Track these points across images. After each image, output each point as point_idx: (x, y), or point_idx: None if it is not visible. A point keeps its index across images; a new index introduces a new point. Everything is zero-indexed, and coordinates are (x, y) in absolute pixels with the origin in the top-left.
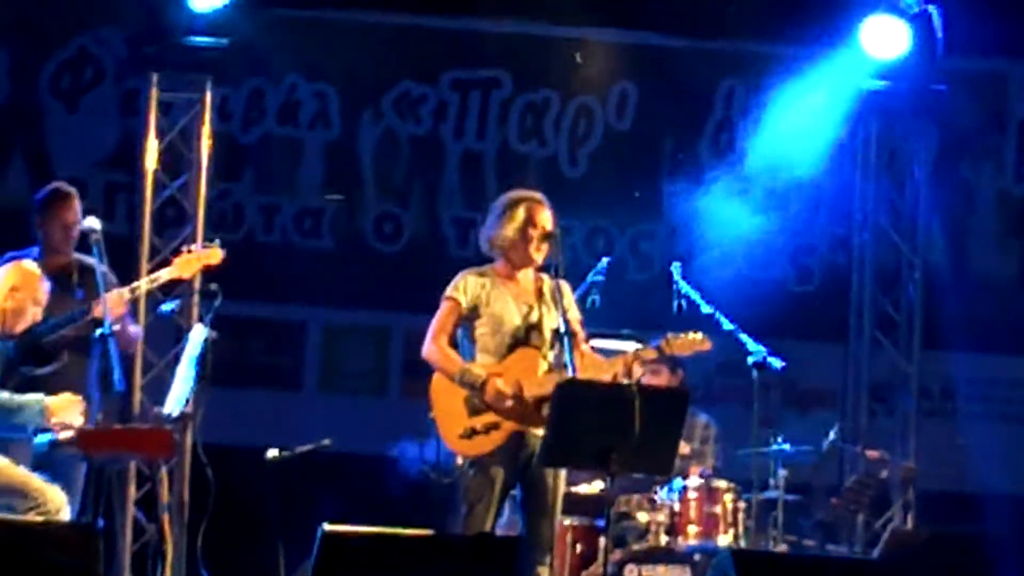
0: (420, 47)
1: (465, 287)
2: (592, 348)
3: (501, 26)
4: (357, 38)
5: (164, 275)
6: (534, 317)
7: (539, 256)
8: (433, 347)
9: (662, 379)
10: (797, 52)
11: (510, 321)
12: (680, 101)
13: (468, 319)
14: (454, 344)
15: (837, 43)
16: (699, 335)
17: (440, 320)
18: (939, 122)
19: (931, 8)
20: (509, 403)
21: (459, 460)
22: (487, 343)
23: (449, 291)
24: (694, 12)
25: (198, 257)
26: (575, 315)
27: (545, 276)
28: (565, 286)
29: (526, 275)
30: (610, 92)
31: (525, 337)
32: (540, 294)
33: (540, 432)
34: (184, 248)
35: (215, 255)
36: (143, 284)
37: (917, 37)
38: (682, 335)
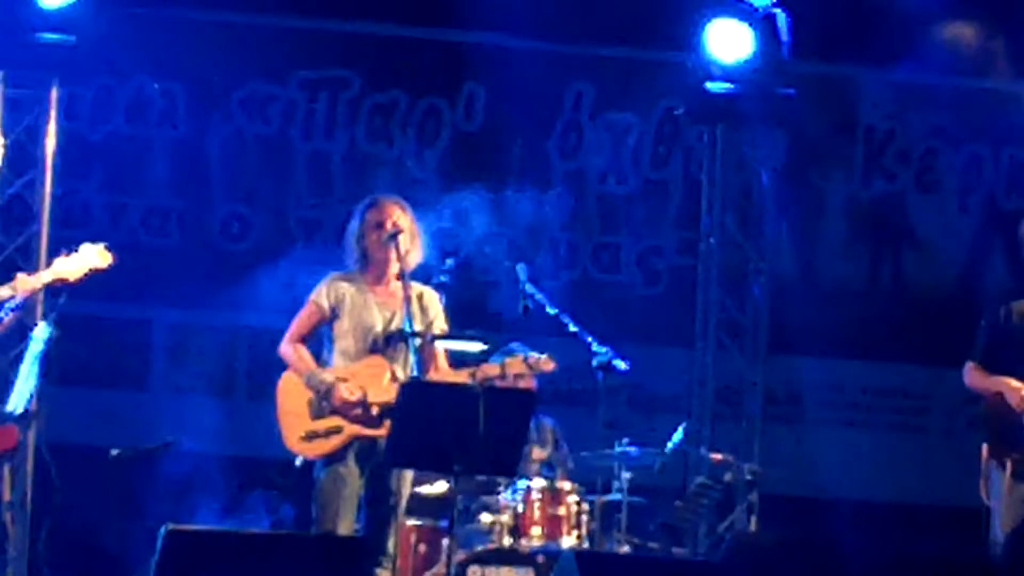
0: (269, 47)
1: (328, 291)
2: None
3: (350, 26)
4: (205, 37)
5: (46, 276)
6: (395, 326)
7: (391, 253)
8: (288, 347)
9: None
10: (645, 55)
11: (371, 327)
12: (528, 103)
13: (329, 322)
14: (316, 345)
15: (684, 46)
16: (543, 356)
17: (298, 321)
18: (788, 127)
19: (777, 12)
20: (353, 408)
21: (298, 461)
22: (347, 347)
23: (312, 294)
24: (543, 14)
25: (85, 260)
26: (441, 324)
27: (415, 284)
28: (433, 295)
29: (394, 282)
30: (458, 93)
31: (384, 344)
32: (408, 301)
33: (382, 437)
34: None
35: (104, 258)
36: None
37: (762, 40)
38: (524, 356)
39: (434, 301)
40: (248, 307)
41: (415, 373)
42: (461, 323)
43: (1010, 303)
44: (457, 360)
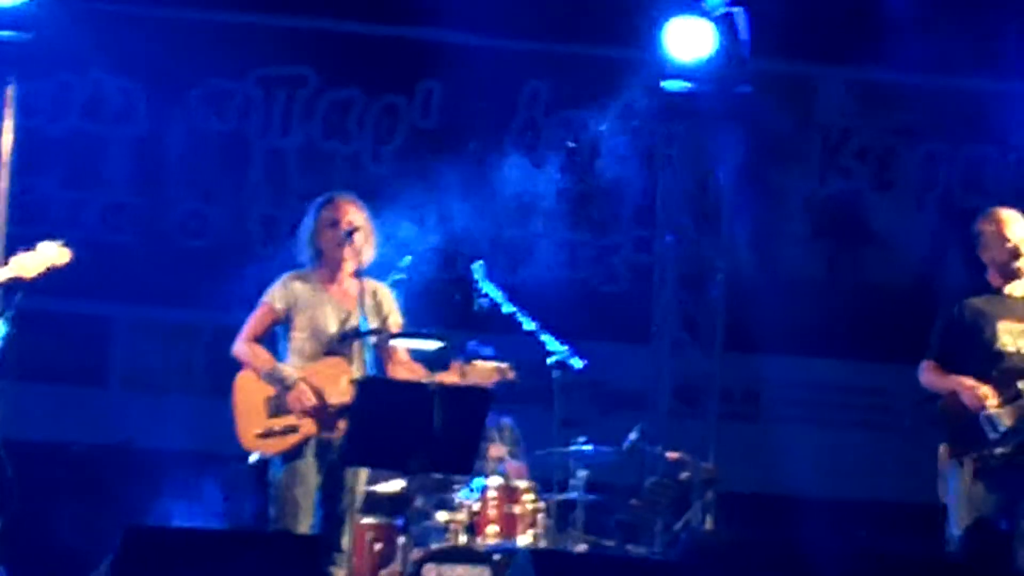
0: (227, 44)
1: (282, 292)
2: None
3: (307, 23)
4: (163, 33)
5: (4, 273)
6: (350, 325)
7: (347, 251)
8: (243, 346)
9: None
10: (602, 53)
11: (326, 328)
12: (485, 101)
13: (283, 323)
14: (270, 345)
15: (642, 44)
16: (504, 364)
17: (252, 322)
18: (746, 125)
19: (735, 10)
20: (309, 408)
21: (252, 459)
22: (302, 347)
23: (266, 294)
24: (500, 11)
25: (43, 258)
26: (396, 320)
27: (369, 281)
28: (387, 291)
29: (349, 280)
30: (415, 90)
31: (340, 344)
32: (362, 300)
33: (339, 437)
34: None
35: (63, 256)
36: None
37: (721, 39)
38: (485, 363)
39: (388, 298)
40: (207, 304)
41: (371, 371)
42: (418, 321)
43: (964, 300)
44: (415, 359)
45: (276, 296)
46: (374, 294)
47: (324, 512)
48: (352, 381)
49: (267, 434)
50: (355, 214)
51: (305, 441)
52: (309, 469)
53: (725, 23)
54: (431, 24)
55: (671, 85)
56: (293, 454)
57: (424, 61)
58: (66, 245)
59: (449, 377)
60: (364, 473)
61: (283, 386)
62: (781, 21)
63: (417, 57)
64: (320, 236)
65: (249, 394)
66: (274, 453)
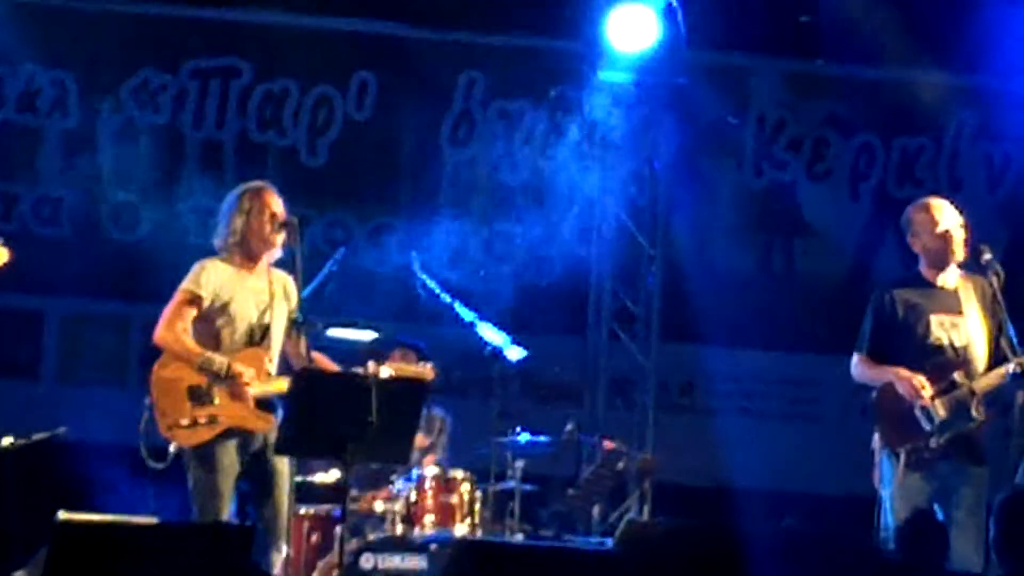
0: (160, 35)
1: (207, 279)
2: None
3: (241, 15)
4: (96, 26)
5: None
6: (267, 317)
7: (277, 241)
8: (170, 334)
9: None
10: (540, 44)
11: (247, 318)
12: (420, 92)
13: (206, 310)
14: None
15: (581, 34)
16: (422, 367)
17: (177, 309)
18: (682, 116)
19: (674, 2)
20: (251, 383)
21: (172, 448)
22: (224, 337)
23: (188, 282)
24: (435, 1)
25: None
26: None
27: (276, 272)
28: (291, 281)
29: (262, 270)
30: (350, 82)
31: (259, 336)
32: (272, 292)
33: (260, 429)
34: None
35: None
36: None
37: (661, 31)
38: (402, 365)
39: (294, 288)
40: (140, 296)
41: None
42: (352, 313)
43: (895, 291)
44: (347, 349)
45: (201, 285)
46: (283, 284)
47: (256, 502)
48: (271, 375)
49: (191, 424)
50: (278, 202)
51: (228, 431)
52: (232, 461)
53: (665, 15)
54: (366, 15)
55: (610, 76)
56: (215, 446)
57: (359, 52)
58: (5, 244)
59: (374, 371)
60: (286, 461)
61: (222, 374)
62: (716, 12)
63: (352, 48)
64: (247, 225)
65: (169, 384)
66: (196, 444)
